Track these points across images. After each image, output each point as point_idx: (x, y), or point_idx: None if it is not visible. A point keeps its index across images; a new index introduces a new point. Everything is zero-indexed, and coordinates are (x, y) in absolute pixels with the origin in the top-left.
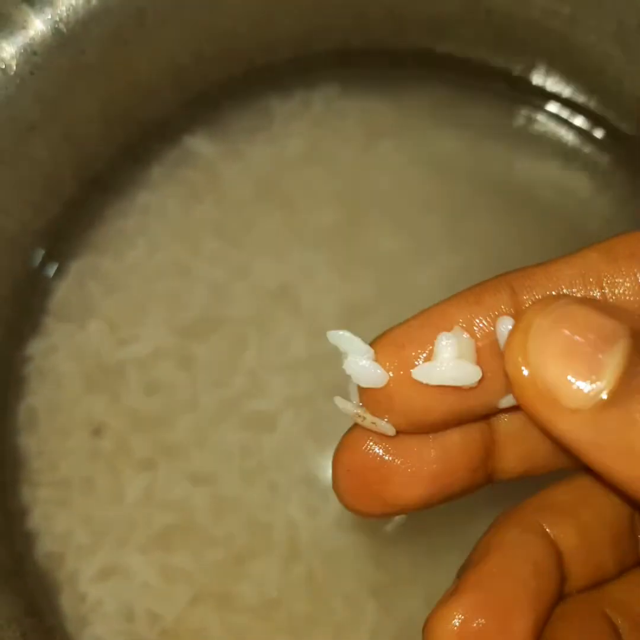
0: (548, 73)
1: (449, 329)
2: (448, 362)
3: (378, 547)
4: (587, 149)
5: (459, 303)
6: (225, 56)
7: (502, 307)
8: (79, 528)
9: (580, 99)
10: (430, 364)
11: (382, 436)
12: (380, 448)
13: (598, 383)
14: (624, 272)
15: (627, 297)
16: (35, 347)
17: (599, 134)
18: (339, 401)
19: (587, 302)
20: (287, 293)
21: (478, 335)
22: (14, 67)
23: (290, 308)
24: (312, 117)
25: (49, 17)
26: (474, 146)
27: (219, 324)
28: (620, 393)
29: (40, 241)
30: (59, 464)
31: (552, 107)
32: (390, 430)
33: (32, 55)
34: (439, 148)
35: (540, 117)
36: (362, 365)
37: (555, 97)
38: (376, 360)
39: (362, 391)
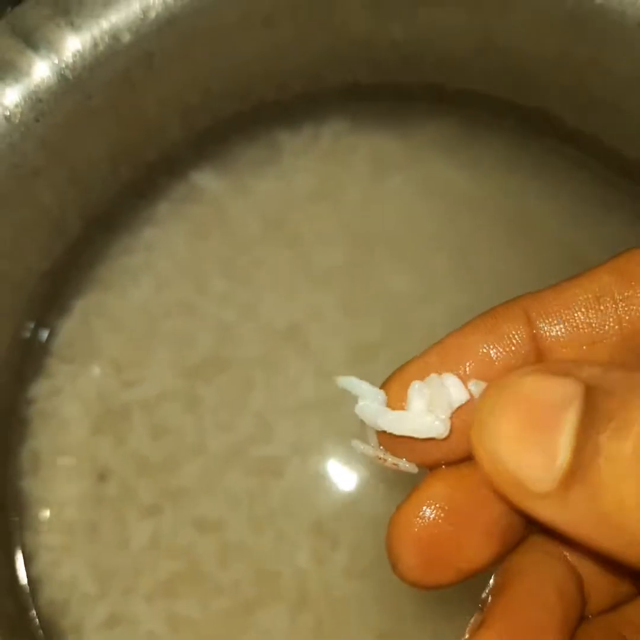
0: (560, 110)
1: (457, 365)
2: (416, 413)
3: (385, 595)
4: (598, 183)
5: (473, 333)
6: (234, 93)
7: (517, 337)
8: (84, 575)
9: (592, 135)
10: (398, 413)
11: (446, 499)
12: (449, 513)
13: (556, 463)
14: (639, 293)
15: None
16: (39, 390)
17: (610, 169)
18: (356, 444)
19: (539, 369)
20: (295, 333)
21: (496, 365)
22: (19, 115)
23: (298, 348)
24: (321, 152)
25: (55, 62)
26: (483, 181)
27: (226, 364)
28: (578, 467)
29: (44, 282)
30: (64, 509)
31: (563, 142)
32: (412, 468)
33: (37, 102)
34: (448, 183)
35: (551, 152)
36: (374, 409)
37: (567, 133)
38: (387, 403)
39: (380, 433)
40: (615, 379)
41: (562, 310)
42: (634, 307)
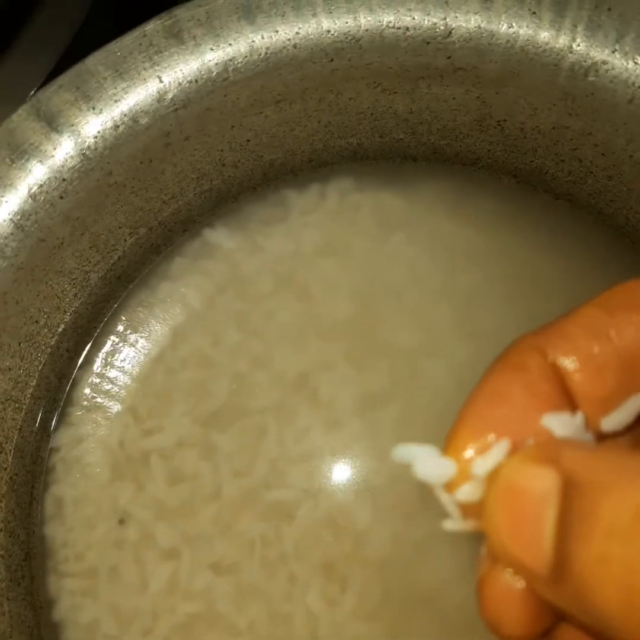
0: (557, 174)
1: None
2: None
3: (395, 636)
4: (594, 238)
5: (507, 377)
6: (246, 161)
7: (548, 373)
8: (105, 617)
9: (587, 198)
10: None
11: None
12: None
13: (544, 553)
14: (625, 322)
15: (634, 342)
16: (62, 438)
17: (605, 225)
18: (448, 525)
19: (524, 458)
20: (305, 383)
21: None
22: (44, 194)
23: (308, 398)
24: (328, 210)
25: (77, 143)
26: (483, 237)
27: (240, 413)
28: (563, 558)
29: (66, 338)
30: (85, 554)
31: (561, 202)
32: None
33: (61, 182)
34: (450, 239)
35: (548, 208)
36: (433, 461)
37: (562, 192)
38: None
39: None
40: (595, 470)
41: (566, 342)
42: (625, 334)
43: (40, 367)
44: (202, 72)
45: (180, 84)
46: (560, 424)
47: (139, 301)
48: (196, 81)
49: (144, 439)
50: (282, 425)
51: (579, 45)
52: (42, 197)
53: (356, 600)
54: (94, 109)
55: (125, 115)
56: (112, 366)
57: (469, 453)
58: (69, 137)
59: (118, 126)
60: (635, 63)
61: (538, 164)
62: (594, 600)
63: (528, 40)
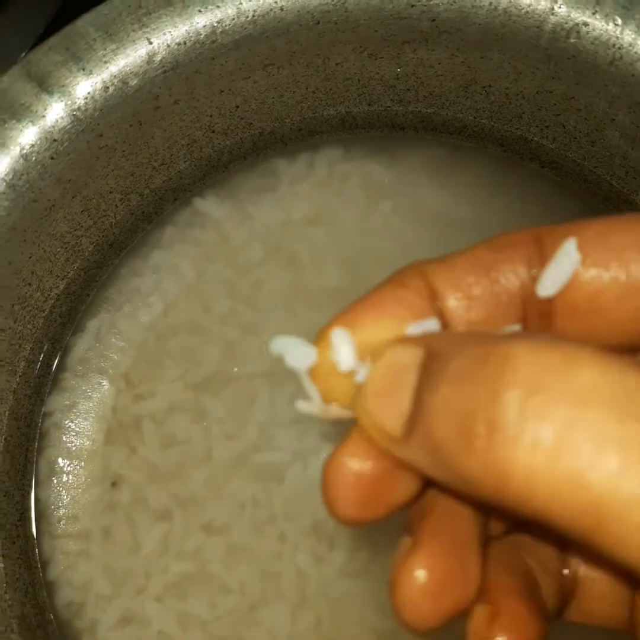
0: (541, 139)
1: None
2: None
3: (381, 594)
4: (578, 204)
5: (389, 291)
6: (235, 128)
7: (422, 292)
8: (98, 578)
9: (572, 161)
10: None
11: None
12: (381, 454)
13: (402, 415)
14: (504, 259)
15: (511, 280)
16: (55, 403)
17: (592, 196)
18: (300, 405)
19: (400, 342)
20: None
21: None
22: (35, 154)
23: None
24: (317, 180)
25: (68, 105)
26: (469, 204)
27: (231, 379)
28: (416, 417)
29: (60, 303)
30: (79, 516)
31: (546, 171)
32: (350, 414)
33: (52, 142)
34: (436, 206)
35: (534, 177)
36: (304, 354)
37: (548, 159)
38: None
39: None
40: (446, 341)
41: (448, 270)
42: (504, 270)
43: (34, 332)
44: (191, 34)
45: (168, 46)
46: (423, 330)
47: (131, 269)
48: (184, 43)
49: (136, 404)
50: (272, 390)
51: (560, 7)
52: (34, 158)
53: (344, 558)
54: (83, 70)
55: (114, 76)
56: (105, 333)
57: (330, 345)
58: (59, 98)
59: (108, 87)
60: (616, 24)
61: (523, 131)
62: (439, 442)
63: (511, 2)
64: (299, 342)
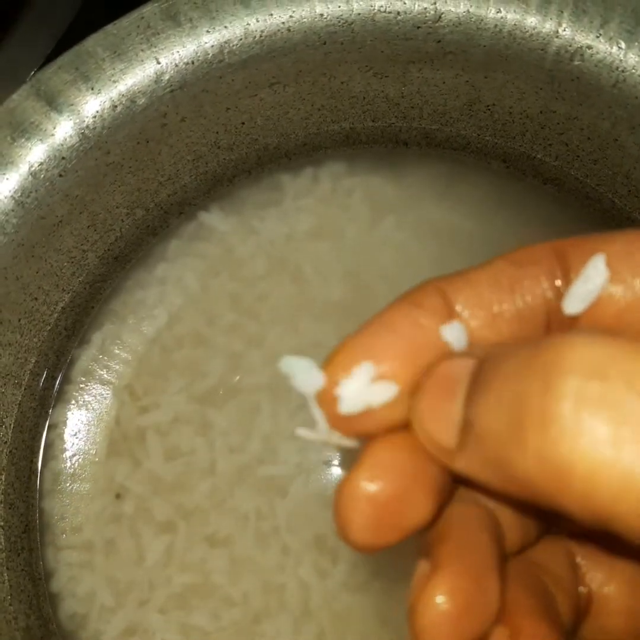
0: (544, 158)
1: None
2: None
3: (383, 607)
4: (579, 219)
5: (401, 311)
6: (240, 143)
7: (440, 311)
8: (102, 589)
9: (574, 179)
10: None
11: (391, 463)
12: (395, 476)
13: (454, 425)
14: (528, 274)
15: (536, 297)
16: (60, 415)
17: (595, 212)
18: (301, 432)
19: (452, 355)
20: None
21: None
22: (44, 172)
23: None
24: (321, 194)
25: (76, 123)
26: (470, 219)
27: (235, 391)
28: (468, 426)
29: (65, 317)
30: (83, 527)
31: (549, 187)
32: (354, 443)
33: (60, 160)
34: (438, 222)
35: (535, 192)
36: (314, 380)
37: (550, 176)
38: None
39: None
40: (498, 348)
41: (468, 287)
42: (527, 289)
43: (39, 344)
44: (199, 54)
45: (177, 65)
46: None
47: (136, 282)
48: (192, 63)
49: (140, 416)
50: (276, 402)
51: (565, 30)
52: (42, 175)
53: (347, 572)
54: (92, 89)
55: (123, 95)
56: (109, 345)
57: (339, 370)
58: (68, 116)
59: (116, 106)
60: (619, 48)
61: (526, 148)
62: (492, 442)
63: (515, 25)
64: (308, 365)
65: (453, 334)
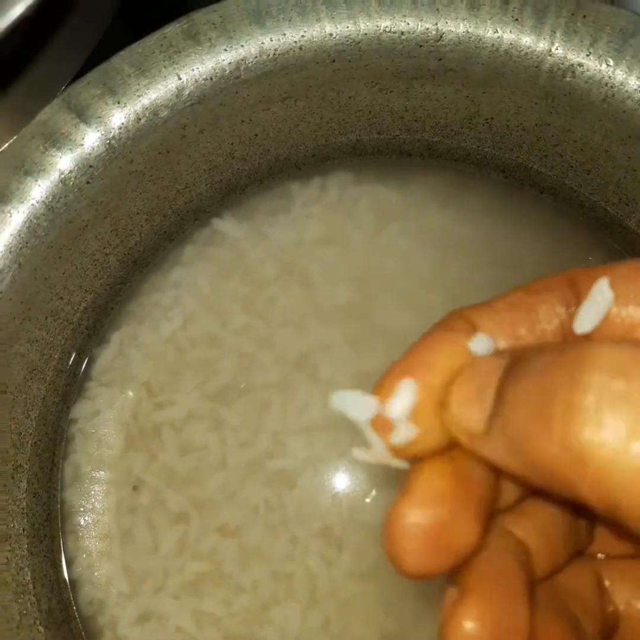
0: (540, 169)
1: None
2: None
3: (387, 596)
4: (576, 228)
5: (433, 335)
6: (253, 154)
7: (467, 330)
8: (119, 577)
9: (570, 191)
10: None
11: (440, 489)
12: (445, 502)
13: (485, 411)
14: (542, 300)
15: (551, 319)
16: (80, 411)
17: (589, 221)
18: (357, 453)
19: (490, 353)
20: (305, 362)
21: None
22: (73, 179)
23: (308, 376)
24: (328, 202)
25: (103, 134)
26: (472, 227)
27: (246, 389)
28: (497, 411)
29: (86, 316)
30: (101, 517)
31: (545, 196)
32: (405, 465)
33: (88, 168)
34: (441, 229)
35: (534, 201)
36: (359, 401)
37: (546, 186)
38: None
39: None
40: (530, 348)
41: (491, 312)
42: (542, 314)
43: (62, 342)
44: (217, 71)
45: (196, 81)
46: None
47: (152, 285)
48: (211, 79)
49: (156, 412)
50: (285, 400)
51: (557, 49)
52: (71, 182)
53: (352, 561)
54: (118, 103)
55: (146, 108)
56: (127, 345)
57: (386, 392)
58: (96, 128)
59: (140, 119)
60: (608, 65)
61: (523, 159)
62: (518, 427)
63: (511, 44)
64: (359, 395)
65: (480, 346)
